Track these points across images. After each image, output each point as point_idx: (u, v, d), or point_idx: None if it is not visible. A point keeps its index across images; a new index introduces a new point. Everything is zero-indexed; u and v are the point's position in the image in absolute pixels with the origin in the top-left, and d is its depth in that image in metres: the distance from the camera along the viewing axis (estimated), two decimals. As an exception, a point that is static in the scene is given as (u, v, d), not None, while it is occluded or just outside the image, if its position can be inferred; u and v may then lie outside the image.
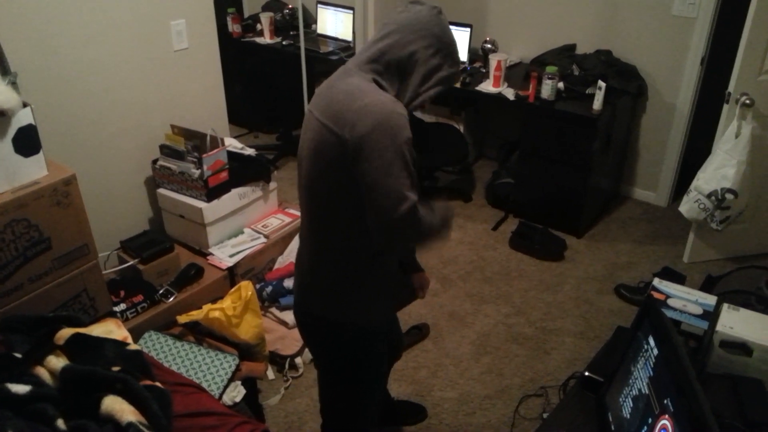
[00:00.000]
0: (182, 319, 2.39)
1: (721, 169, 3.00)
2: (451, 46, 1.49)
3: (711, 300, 1.82)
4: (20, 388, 1.42)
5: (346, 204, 1.47)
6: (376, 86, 1.45)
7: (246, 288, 2.44)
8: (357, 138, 1.36)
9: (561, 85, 3.53)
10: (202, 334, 2.36)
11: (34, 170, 1.97)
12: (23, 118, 1.90)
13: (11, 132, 1.88)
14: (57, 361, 1.57)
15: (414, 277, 1.88)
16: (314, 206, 1.55)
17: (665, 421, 1.25)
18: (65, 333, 1.66)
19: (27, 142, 1.93)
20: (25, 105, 1.91)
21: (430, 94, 1.48)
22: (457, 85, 3.61)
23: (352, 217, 1.49)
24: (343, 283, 1.60)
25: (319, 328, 1.69)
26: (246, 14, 4.95)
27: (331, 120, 1.42)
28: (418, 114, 3.70)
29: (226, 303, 2.39)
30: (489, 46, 4.01)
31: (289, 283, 2.84)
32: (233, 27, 4.49)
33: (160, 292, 2.56)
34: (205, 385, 2.06)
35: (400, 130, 1.37)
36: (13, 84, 1.92)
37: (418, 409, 2.50)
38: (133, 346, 1.76)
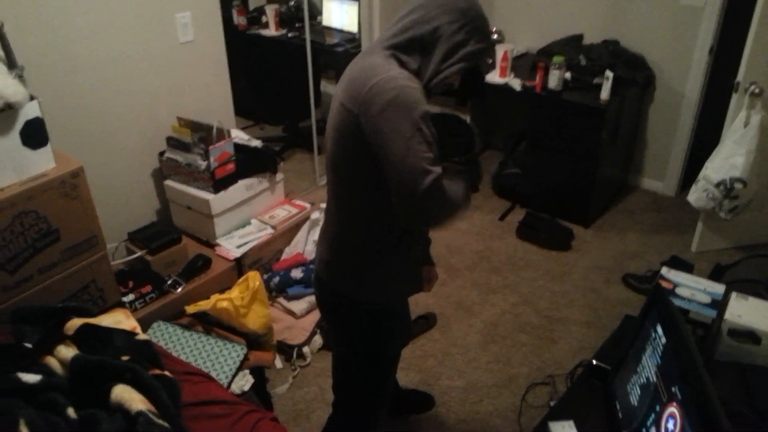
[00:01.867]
0: (190, 309, 2.40)
1: (730, 158, 2.98)
2: (477, 20, 1.44)
3: (719, 289, 1.82)
4: (31, 378, 1.44)
5: (369, 183, 1.48)
6: (396, 62, 1.43)
7: (253, 278, 2.45)
8: (372, 118, 1.35)
9: (568, 75, 3.51)
10: (211, 324, 2.37)
11: (42, 163, 1.98)
12: (30, 111, 1.91)
13: (19, 125, 1.89)
14: (67, 351, 1.58)
15: (423, 269, 1.89)
16: (339, 186, 1.56)
17: (673, 409, 1.25)
18: (75, 323, 1.67)
19: (34, 134, 1.94)
20: (32, 98, 1.92)
21: (453, 70, 1.43)
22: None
23: (376, 197, 1.49)
24: (365, 263, 1.61)
25: (337, 303, 1.70)
26: (251, 6, 4.93)
27: (348, 100, 1.42)
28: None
29: (234, 293, 2.40)
30: (495, 36, 3.99)
31: (296, 273, 2.84)
32: (238, 19, 4.48)
33: (169, 282, 2.57)
34: (213, 374, 2.07)
35: (415, 105, 1.34)
36: (20, 77, 1.93)
37: (425, 397, 2.50)
38: (141, 336, 1.78)
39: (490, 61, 3.79)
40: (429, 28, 1.42)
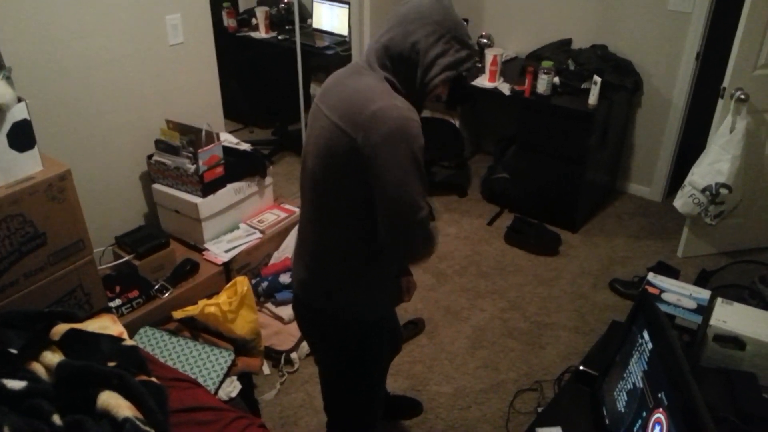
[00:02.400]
0: (178, 314, 2.39)
1: (716, 163, 3.01)
2: (454, 30, 1.45)
3: (705, 294, 1.83)
4: (16, 384, 1.42)
5: (353, 204, 1.48)
6: (390, 87, 1.44)
7: (242, 283, 2.44)
8: (371, 145, 1.36)
9: (557, 80, 3.53)
10: (198, 330, 2.36)
11: (29, 165, 1.97)
12: (18, 113, 1.89)
13: (6, 127, 1.87)
14: (52, 357, 1.56)
15: (402, 280, 1.89)
16: (320, 203, 1.55)
17: (659, 415, 1.26)
18: (61, 328, 1.66)
19: (21, 137, 1.92)
20: (19, 100, 1.90)
21: (436, 82, 1.45)
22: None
23: (357, 217, 1.49)
24: (343, 279, 1.60)
25: (319, 322, 1.69)
26: (241, 9, 4.93)
27: (343, 120, 1.41)
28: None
29: (222, 298, 2.39)
30: (485, 41, 4.01)
31: (285, 278, 2.84)
32: (228, 21, 4.47)
33: (156, 287, 2.56)
34: (200, 380, 2.06)
35: (415, 139, 1.37)
36: (8, 79, 1.91)
37: (413, 403, 2.50)
38: (128, 342, 1.76)
39: (478, 64, 3.81)
40: (407, 44, 1.43)
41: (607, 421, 1.50)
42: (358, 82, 1.45)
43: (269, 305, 2.84)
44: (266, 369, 2.65)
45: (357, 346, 1.69)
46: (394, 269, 1.72)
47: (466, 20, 3.91)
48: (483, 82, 3.67)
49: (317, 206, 1.56)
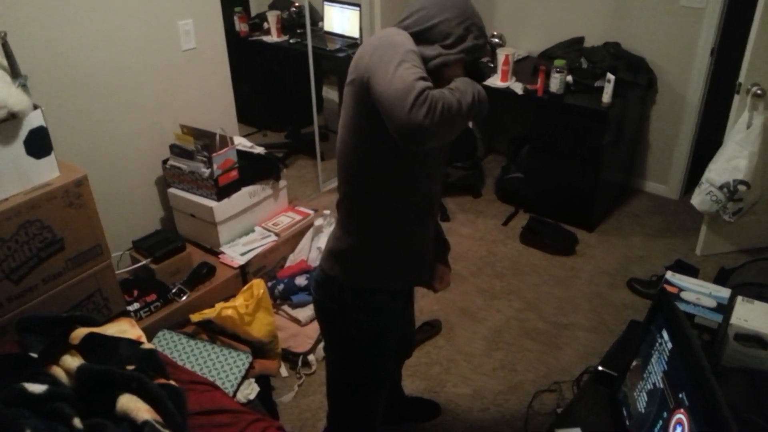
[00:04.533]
0: (195, 317, 2.40)
1: (733, 160, 2.98)
2: (474, 17, 1.50)
3: (725, 293, 1.81)
4: (37, 388, 1.44)
5: (375, 159, 1.50)
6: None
7: (258, 286, 2.45)
8: (365, 67, 1.39)
9: (569, 78, 3.51)
10: (215, 333, 2.37)
11: (46, 172, 1.99)
12: (34, 120, 1.91)
13: (23, 134, 1.89)
14: (72, 361, 1.58)
15: (439, 267, 1.90)
16: (347, 172, 1.57)
17: (681, 416, 1.25)
18: (80, 333, 1.67)
19: (38, 144, 1.94)
20: (36, 107, 1.92)
21: (450, 58, 1.47)
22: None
23: (383, 177, 1.52)
24: (370, 247, 1.62)
25: (329, 308, 1.69)
26: (253, 13, 4.95)
27: (351, 73, 1.46)
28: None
29: (239, 301, 2.40)
30: (496, 40, 4.00)
31: (301, 280, 2.84)
32: (240, 26, 4.49)
33: (173, 291, 2.57)
34: (219, 383, 2.06)
35: (402, 43, 1.39)
36: (24, 86, 1.93)
37: (431, 405, 2.50)
38: (147, 345, 1.77)
39: (489, 62, 3.79)
40: (429, 24, 1.47)
41: (627, 422, 1.49)
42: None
43: (286, 307, 2.84)
44: (284, 371, 2.66)
45: (360, 338, 1.70)
46: (426, 246, 1.73)
47: (478, 20, 3.89)
48: (495, 81, 3.66)
49: (347, 176, 1.58)
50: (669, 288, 1.83)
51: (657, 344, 1.45)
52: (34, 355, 1.59)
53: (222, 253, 2.86)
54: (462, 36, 1.48)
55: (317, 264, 1.74)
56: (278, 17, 4.38)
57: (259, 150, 3.07)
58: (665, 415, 1.31)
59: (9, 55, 1.96)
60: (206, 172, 2.73)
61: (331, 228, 1.77)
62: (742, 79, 2.94)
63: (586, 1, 3.81)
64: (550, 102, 3.47)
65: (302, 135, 4.65)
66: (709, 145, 3.39)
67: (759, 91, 2.88)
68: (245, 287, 2.50)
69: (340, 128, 1.56)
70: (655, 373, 1.42)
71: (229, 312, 2.33)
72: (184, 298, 2.57)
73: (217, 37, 2.99)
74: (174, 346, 2.24)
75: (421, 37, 1.47)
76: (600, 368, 1.71)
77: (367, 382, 1.80)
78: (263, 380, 2.29)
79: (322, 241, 3.05)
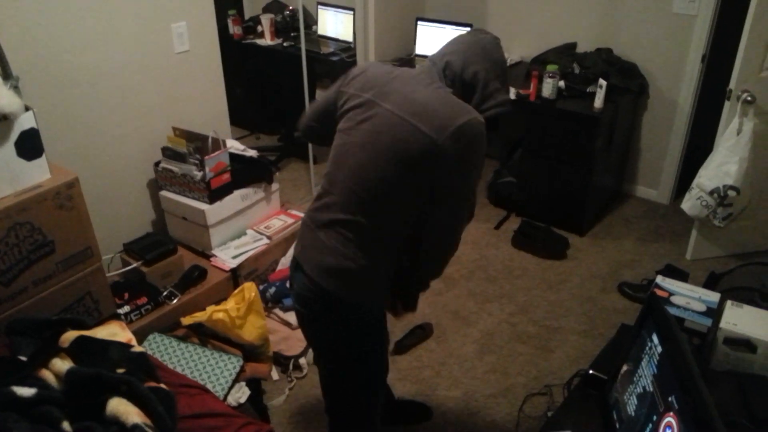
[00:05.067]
0: (186, 320, 2.39)
1: (723, 166, 3.00)
2: (506, 74, 1.62)
3: (714, 297, 1.82)
4: (26, 391, 1.43)
5: (404, 197, 1.55)
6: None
7: (249, 289, 2.44)
8: (457, 149, 1.47)
9: (562, 83, 3.53)
10: (206, 336, 2.36)
11: (37, 174, 1.98)
12: (25, 121, 1.91)
13: (14, 136, 1.89)
14: (62, 364, 1.57)
15: (398, 302, 1.91)
16: (364, 193, 1.55)
17: (670, 419, 1.25)
18: (70, 335, 1.67)
19: (29, 145, 1.93)
20: (27, 109, 1.91)
21: (492, 113, 1.57)
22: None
23: (402, 210, 1.57)
24: (377, 269, 1.63)
25: (326, 309, 1.68)
26: (246, 16, 4.95)
27: (423, 122, 1.48)
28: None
29: (230, 304, 2.39)
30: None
31: (292, 284, 2.84)
32: (234, 29, 4.49)
33: (164, 294, 2.57)
34: (209, 386, 2.06)
35: (478, 164, 1.57)
36: (15, 88, 1.93)
37: (422, 408, 2.50)
38: (137, 348, 1.77)
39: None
40: (470, 71, 1.56)
41: (617, 425, 1.49)
42: (434, 91, 1.54)
43: (277, 311, 2.84)
44: (275, 375, 2.65)
45: (365, 325, 1.72)
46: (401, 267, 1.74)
47: (470, 25, 3.91)
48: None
49: (360, 196, 1.56)
50: (659, 292, 1.84)
51: (647, 348, 1.46)
52: (24, 359, 1.58)
53: (213, 256, 2.85)
54: (497, 89, 1.60)
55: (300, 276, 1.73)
56: (272, 20, 4.39)
57: (252, 153, 3.07)
58: (655, 418, 1.32)
59: (1, 56, 1.95)
60: (198, 174, 2.72)
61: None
62: (732, 85, 2.96)
63: (579, 7, 3.84)
64: (542, 107, 3.48)
65: (295, 138, 4.64)
66: (700, 150, 3.42)
67: (749, 98, 2.91)
68: (236, 290, 2.49)
69: (364, 155, 1.54)
70: (645, 376, 1.42)
71: (221, 315, 2.32)
72: (175, 301, 2.56)
73: (210, 40, 2.99)
74: (165, 350, 2.24)
75: (462, 84, 1.58)
76: (590, 372, 1.72)
77: (372, 381, 1.82)
78: (254, 383, 2.29)
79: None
